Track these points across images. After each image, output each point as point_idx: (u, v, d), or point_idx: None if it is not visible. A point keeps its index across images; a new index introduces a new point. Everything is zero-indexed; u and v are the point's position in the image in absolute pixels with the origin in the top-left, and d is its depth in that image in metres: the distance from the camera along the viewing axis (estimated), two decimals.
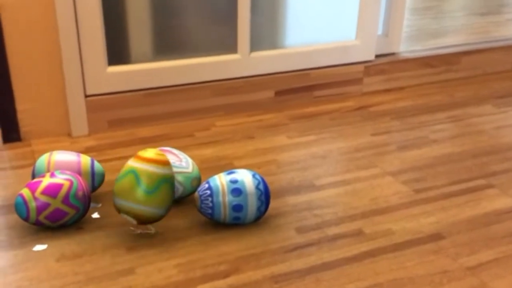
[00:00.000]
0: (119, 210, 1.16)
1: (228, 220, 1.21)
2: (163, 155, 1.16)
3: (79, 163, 1.29)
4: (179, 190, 1.28)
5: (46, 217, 1.17)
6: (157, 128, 1.74)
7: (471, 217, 1.29)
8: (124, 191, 1.14)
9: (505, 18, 2.75)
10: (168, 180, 1.15)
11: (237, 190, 1.19)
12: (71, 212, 1.19)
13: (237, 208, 1.20)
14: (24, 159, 1.53)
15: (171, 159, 1.29)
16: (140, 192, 1.13)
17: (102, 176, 1.33)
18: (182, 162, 1.29)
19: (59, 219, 1.18)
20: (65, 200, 1.17)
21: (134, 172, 1.13)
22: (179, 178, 1.27)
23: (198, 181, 1.30)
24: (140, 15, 1.69)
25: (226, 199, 1.19)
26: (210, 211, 1.20)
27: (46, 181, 1.17)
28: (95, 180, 1.31)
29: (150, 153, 1.15)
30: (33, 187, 1.16)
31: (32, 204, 1.16)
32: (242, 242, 1.19)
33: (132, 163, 1.15)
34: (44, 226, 1.20)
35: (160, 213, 1.16)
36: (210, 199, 1.19)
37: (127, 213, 1.15)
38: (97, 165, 1.32)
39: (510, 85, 2.16)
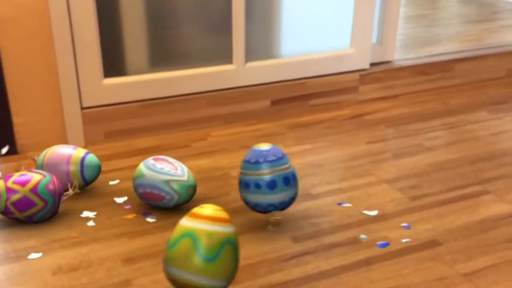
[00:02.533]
0: (174, 283, 0.98)
1: None
2: (221, 210, 0.99)
3: (70, 155, 1.31)
4: (175, 198, 1.29)
5: (13, 204, 1.21)
6: (154, 139, 1.75)
7: (467, 224, 1.29)
8: (179, 259, 0.95)
9: (498, 25, 2.77)
10: (230, 241, 0.97)
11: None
12: (39, 203, 1.21)
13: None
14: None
15: (166, 167, 1.29)
16: (198, 259, 0.94)
17: (95, 168, 1.34)
18: (178, 170, 1.29)
19: (26, 208, 1.21)
20: (34, 189, 1.21)
21: (190, 234, 0.96)
22: (174, 186, 1.27)
23: (193, 189, 1.30)
24: (135, 26, 1.70)
25: None
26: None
27: (19, 173, 1.24)
28: (85, 172, 1.32)
29: (208, 209, 0.98)
30: (7, 178, 1.23)
31: (2, 192, 1.21)
32: (239, 252, 1.19)
33: (186, 222, 0.98)
34: (13, 216, 1.23)
35: (221, 285, 0.97)
36: None
37: (185, 286, 0.97)
38: (90, 158, 1.33)
39: (505, 92, 2.17)
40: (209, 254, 0.94)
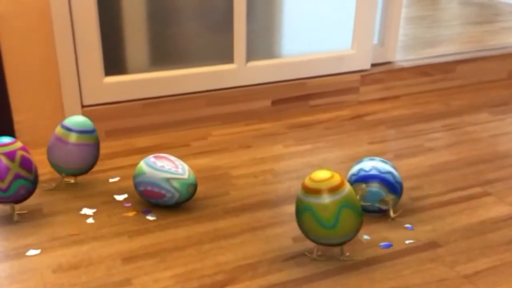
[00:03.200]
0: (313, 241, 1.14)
1: None
2: (331, 175, 1.08)
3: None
4: (175, 196, 1.28)
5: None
6: (154, 138, 1.74)
7: (467, 225, 1.29)
8: (309, 229, 1.10)
9: (499, 27, 2.77)
10: (346, 203, 1.08)
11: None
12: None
13: None
14: None
15: (167, 165, 1.29)
16: (322, 230, 1.08)
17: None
18: (178, 169, 1.29)
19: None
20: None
21: (310, 209, 1.08)
22: (175, 184, 1.27)
23: (194, 187, 1.30)
24: (136, 25, 1.70)
25: None
26: None
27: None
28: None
29: (318, 181, 1.08)
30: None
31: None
32: (239, 251, 1.19)
33: (302, 196, 1.10)
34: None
35: (350, 237, 1.11)
36: None
37: (317, 243, 1.13)
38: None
39: (506, 93, 2.17)
40: (329, 222, 1.07)
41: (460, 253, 1.19)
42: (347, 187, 1.09)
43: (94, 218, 1.30)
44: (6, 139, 1.23)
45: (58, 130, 1.37)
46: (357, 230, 1.11)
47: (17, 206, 1.33)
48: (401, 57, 2.20)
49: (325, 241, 1.10)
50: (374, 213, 1.32)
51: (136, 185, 1.32)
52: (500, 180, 1.50)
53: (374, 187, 1.27)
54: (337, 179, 1.08)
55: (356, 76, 2.00)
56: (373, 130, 1.82)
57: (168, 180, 1.27)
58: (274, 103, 1.91)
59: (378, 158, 1.33)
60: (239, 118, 1.87)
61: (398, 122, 1.88)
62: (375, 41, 2.11)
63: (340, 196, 1.07)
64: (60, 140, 1.36)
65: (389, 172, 1.29)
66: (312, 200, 1.07)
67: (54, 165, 1.39)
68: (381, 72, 2.05)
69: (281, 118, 1.90)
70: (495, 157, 1.64)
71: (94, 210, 1.34)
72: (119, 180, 1.48)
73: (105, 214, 1.32)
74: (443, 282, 1.10)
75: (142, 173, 1.30)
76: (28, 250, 1.19)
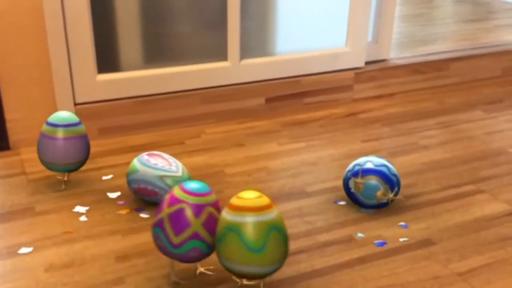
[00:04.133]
0: (230, 271, 1.00)
1: None
2: (262, 197, 0.98)
3: None
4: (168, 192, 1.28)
5: None
6: (148, 136, 1.74)
7: (461, 223, 1.29)
8: (229, 253, 0.96)
9: (493, 25, 2.77)
10: (275, 227, 0.96)
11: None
12: None
13: None
14: (12, 168, 1.52)
15: (161, 163, 1.28)
16: (246, 251, 0.95)
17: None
18: (172, 166, 1.29)
19: None
20: None
21: (234, 230, 0.96)
22: (168, 181, 1.27)
23: None
24: (129, 22, 1.69)
25: None
26: None
27: None
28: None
29: (248, 200, 0.97)
30: None
31: None
32: None
33: (227, 216, 0.97)
34: None
35: (274, 269, 0.98)
36: None
37: (238, 275, 0.98)
38: None
39: (500, 91, 2.18)
40: (256, 245, 0.94)
41: (454, 250, 1.19)
42: (275, 210, 0.98)
43: (87, 216, 1.30)
44: (202, 187, 1.01)
45: (45, 128, 1.36)
46: (283, 259, 0.99)
47: (198, 264, 1.13)
48: (395, 55, 2.20)
49: (249, 269, 0.96)
50: (370, 208, 1.32)
51: (129, 183, 1.31)
52: (494, 178, 1.50)
53: (372, 180, 1.28)
54: (265, 199, 0.98)
55: (350, 74, 2.00)
56: (367, 128, 1.82)
57: (161, 177, 1.27)
58: (268, 101, 1.91)
59: (373, 155, 1.33)
60: (233, 116, 1.87)
61: (392, 120, 1.88)
62: (369, 38, 2.11)
63: (269, 218, 0.96)
64: (48, 137, 1.35)
65: (384, 165, 1.29)
66: (238, 219, 0.96)
67: (47, 164, 1.38)
68: (375, 70, 2.04)
69: (275, 116, 1.90)
70: (489, 154, 1.64)
71: (87, 208, 1.33)
72: (112, 178, 1.47)
73: (98, 212, 1.31)
74: (437, 280, 1.10)
75: (135, 170, 1.29)
76: (20, 248, 1.18)
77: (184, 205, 0.98)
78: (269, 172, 1.51)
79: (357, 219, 1.30)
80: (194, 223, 0.98)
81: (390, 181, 1.29)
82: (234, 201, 0.98)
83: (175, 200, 0.99)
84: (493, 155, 1.64)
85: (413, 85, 2.14)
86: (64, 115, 1.37)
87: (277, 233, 0.96)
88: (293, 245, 1.20)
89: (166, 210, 0.99)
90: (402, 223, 1.29)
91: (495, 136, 1.76)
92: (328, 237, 1.23)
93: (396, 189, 1.30)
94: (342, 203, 1.37)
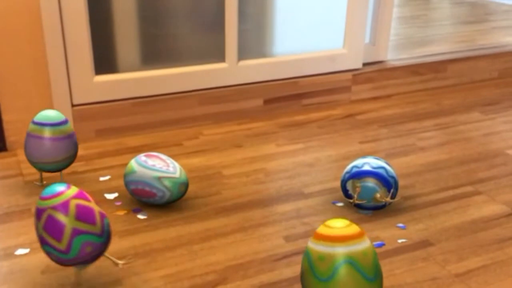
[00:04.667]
0: None
1: None
2: (348, 225, 0.92)
3: None
4: (167, 195, 1.28)
5: None
6: (145, 137, 1.73)
7: (459, 224, 1.29)
8: (303, 278, 0.93)
9: (491, 26, 2.78)
10: (348, 261, 0.89)
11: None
12: None
13: None
14: (9, 169, 1.52)
15: (158, 164, 1.28)
16: (313, 280, 0.90)
17: None
18: (170, 167, 1.28)
19: None
20: None
21: (307, 255, 0.93)
22: (166, 183, 1.26)
23: (185, 186, 1.29)
24: (127, 24, 1.69)
25: None
26: None
27: None
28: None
29: (323, 228, 0.92)
30: None
31: None
32: (230, 251, 1.18)
33: (335, 250, 0.90)
34: None
35: None
36: None
37: None
38: None
39: (497, 93, 2.18)
40: (323, 275, 0.89)
41: (452, 252, 1.19)
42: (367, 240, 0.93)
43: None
44: (57, 187, 0.98)
45: (31, 127, 1.35)
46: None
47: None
48: (393, 56, 2.20)
49: None
50: (368, 210, 1.32)
51: (127, 184, 1.31)
52: (491, 179, 1.50)
53: (369, 182, 1.28)
54: (353, 230, 0.92)
55: (348, 75, 2.00)
56: (365, 129, 1.82)
57: (159, 179, 1.26)
58: (266, 102, 1.91)
59: (371, 156, 1.33)
60: (231, 117, 1.87)
61: (390, 121, 1.88)
62: (367, 40, 2.11)
63: (369, 245, 0.92)
64: (35, 136, 1.34)
65: (382, 167, 1.29)
66: (349, 249, 0.89)
67: (36, 164, 1.36)
68: (373, 71, 2.05)
69: (273, 117, 1.90)
70: (486, 156, 1.64)
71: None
72: (109, 179, 1.47)
73: None
74: (435, 281, 1.10)
75: (133, 171, 1.29)
76: (17, 250, 1.17)
77: (49, 211, 0.96)
78: (267, 174, 1.51)
79: (355, 220, 1.30)
80: (68, 221, 0.96)
81: (388, 183, 1.29)
82: (330, 231, 0.91)
83: (40, 212, 0.97)
84: (491, 156, 1.64)
85: (410, 86, 2.14)
86: (50, 114, 1.35)
87: (348, 268, 0.90)
88: (291, 247, 1.20)
89: (39, 225, 0.98)
90: (400, 224, 1.29)
91: (493, 138, 1.76)
92: None
93: (393, 191, 1.30)
94: (340, 204, 1.36)
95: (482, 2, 3.44)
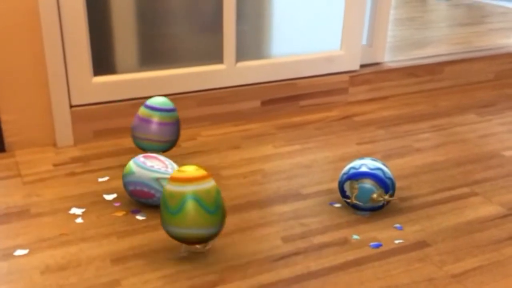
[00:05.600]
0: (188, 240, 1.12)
1: None
2: (196, 169, 1.10)
3: None
4: None
5: None
6: None
7: (455, 225, 1.30)
8: (191, 220, 1.09)
9: (487, 28, 2.79)
10: (193, 197, 1.08)
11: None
12: None
13: None
14: (7, 170, 1.52)
15: (157, 165, 1.29)
16: (166, 214, 1.10)
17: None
18: (168, 168, 1.29)
19: None
20: None
21: (162, 194, 1.12)
22: (165, 184, 1.27)
23: None
24: (125, 25, 1.69)
25: None
26: None
27: None
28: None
29: (175, 171, 1.11)
30: None
31: None
32: (228, 252, 1.19)
33: (179, 188, 1.10)
34: None
35: (194, 232, 1.09)
36: None
37: (174, 237, 1.12)
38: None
39: (493, 94, 2.19)
40: (173, 209, 1.08)
41: (448, 252, 1.20)
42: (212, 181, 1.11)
43: (83, 218, 1.30)
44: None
45: (142, 110, 1.47)
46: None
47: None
48: (390, 58, 2.21)
49: (207, 231, 1.09)
50: (365, 211, 1.32)
51: (125, 185, 1.31)
52: (488, 181, 1.51)
53: (366, 183, 1.28)
54: (190, 174, 1.09)
55: (345, 77, 2.01)
56: (362, 131, 1.82)
57: (157, 179, 1.27)
58: (263, 103, 1.91)
59: (368, 158, 1.34)
60: (229, 118, 1.87)
61: (386, 123, 1.89)
62: (364, 42, 2.12)
63: (213, 184, 1.11)
64: (144, 120, 1.46)
65: (379, 169, 1.30)
66: (194, 187, 1.08)
67: (140, 144, 1.49)
68: (370, 73, 2.06)
69: (270, 119, 1.91)
70: (483, 157, 1.65)
71: (83, 210, 1.33)
72: (108, 180, 1.47)
73: (94, 214, 1.32)
74: (431, 282, 1.11)
75: (131, 172, 1.29)
76: (15, 251, 1.18)
77: None
78: (264, 175, 1.52)
79: (352, 221, 1.31)
80: None
81: (385, 184, 1.29)
82: (180, 174, 1.09)
83: None
84: (487, 158, 1.65)
85: (407, 88, 2.15)
86: (161, 100, 1.48)
87: (222, 198, 1.12)
88: (288, 247, 1.21)
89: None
90: (397, 225, 1.29)
91: (489, 139, 1.78)
92: (324, 239, 1.24)
93: (391, 192, 1.31)
94: (337, 205, 1.37)
95: (479, 4, 3.46)
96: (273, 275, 1.12)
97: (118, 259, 1.16)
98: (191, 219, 1.07)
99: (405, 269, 1.14)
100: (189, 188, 1.08)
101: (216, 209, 1.10)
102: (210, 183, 1.10)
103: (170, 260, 1.16)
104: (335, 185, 1.47)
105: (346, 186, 1.32)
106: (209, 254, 1.18)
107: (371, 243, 1.22)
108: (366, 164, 1.31)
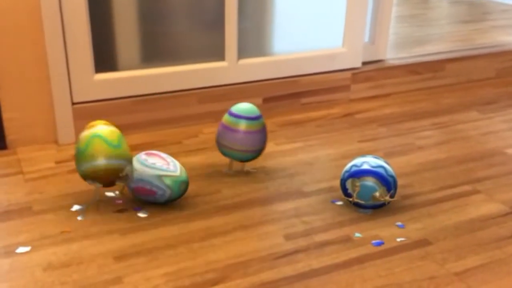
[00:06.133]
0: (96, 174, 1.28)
1: None
2: (106, 123, 1.31)
3: None
4: (167, 193, 1.28)
5: None
6: (145, 136, 1.74)
7: (457, 223, 1.30)
8: (97, 153, 1.28)
9: (489, 26, 2.79)
10: (97, 135, 1.26)
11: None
12: None
13: None
14: (9, 168, 1.52)
15: (158, 162, 1.29)
16: (77, 155, 1.29)
17: None
18: (170, 166, 1.29)
19: None
20: None
21: (77, 140, 1.31)
22: (167, 181, 1.27)
23: (186, 184, 1.30)
24: (127, 22, 1.69)
25: None
26: None
27: None
28: None
29: (88, 125, 1.31)
30: None
31: None
32: (231, 249, 1.19)
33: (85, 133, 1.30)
34: None
35: (103, 164, 1.25)
36: None
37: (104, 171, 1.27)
38: None
39: (495, 92, 2.19)
40: (81, 146, 1.27)
41: (450, 250, 1.20)
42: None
43: (84, 216, 1.30)
44: None
45: (226, 118, 1.43)
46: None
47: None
48: (391, 55, 2.21)
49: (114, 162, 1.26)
50: (367, 209, 1.33)
51: (129, 183, 1.31)
52: (489, 178, 1.51)
53: (368, 181, 1.28)
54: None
55: (347, 74, 2.01)
56: (364, 128, 1.82)
57: (159, 177, 1.27)
58: (265, 100, 1.91)
59: (370, 155, 1.34)
60: None
61: (388, 120, 1.89)
62: (366, 39, 2.12)
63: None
64: (229, 128, 1.42)
65: (381, 166, 1.30)
66: (99, 129, 1.28)
67: (224, 153, 1.45)
68: (372, 70, 2.05)
69: (272, 116, 1.90)
70: (484, 155, 1.65)
71: (84, 207, 1.33)
72: None
73: (96, 211, 1.32)
74: (433, 280, 1.11)
75: (133, 170, 1.29)
76: (18, 248, 1.18)
77: None
78: (266, 172, 1.52)
79: (354, 219, 1.31)
80: None
81: (387, 182, 1.29)
82: (93, 124, 1.29)
83: None
84: (489, 155, 1.65)
85: (409, 85, 2.15)
86: (246, 107, 1.43)
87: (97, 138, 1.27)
88: (290, 245, 1.21)
89: None
90: (399, 223, 1.29)
91: (491, 137, 1.77)
92: (326, 237, 1.24)
93: (393, 190, 1.31)
94: (339, 203, 1.37)
95: (480, 1, 3.45)
96: (275, 273, 1.12)
97: (120, 256, 1.16)
98: (98, 151, 1.24)
99: (407, 267, 1.15)
100: (94, 130, 1.27)
101: (119, 144, 1.26)
102: (113, 127, 1.29)
103: (172, 257, 1.16)
104: (337, 182, 1.46)
105: (348, 184, 1.32)
106: (210, 251, 1.18)
107: (373, 241, 1.22)
108: (368, 161, 1.31)
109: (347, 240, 1.23)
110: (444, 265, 1.15)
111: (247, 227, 1.27)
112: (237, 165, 1.51)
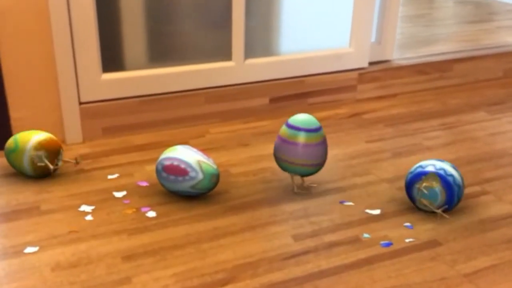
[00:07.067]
0: None
1: None
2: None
3: None
4: (198, 178, 1.30)
5: None
6: (152, 135, 1.74)
7: (467, 224, 1.30)
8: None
9: (495, 26, 2.77)
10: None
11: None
12: None
13: None
14: None
15: (201, 153, 1.34)
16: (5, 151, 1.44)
17: None
18: (210, 160, 1.34)
19: None
20: None
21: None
22: (203, 166, 1.31)
23: (217, 179, 1.33)
24: (134, 22, 1.69)
25: None
26: None
27: None
28: None
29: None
30: None
31: None
32: (239, 250, 1.18)
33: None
34: None
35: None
36: None
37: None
38: None
39: (502, 92, 2.18)
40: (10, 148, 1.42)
41: (460, 251, 1.19)
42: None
43: (92, 216, 1.30)
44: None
45: (283, 130, 1.35)
46: None
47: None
48: (398, 55, 2.20)
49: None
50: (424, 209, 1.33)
51: (161, 161, 1.32)
52: (498, 179, 1.50)
53: (436, 186, 1.27)
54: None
55: (354, 74, 2.00)
56: (371, 129, 1.82)
57: (198, 161, 1.31)
58: (272, 100, 1.91)
59: (446, 162, 1.32)
60: (237, 115, 1.87)
61: (395, 121, 1.88)
62: (373, 39, 2.11)
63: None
64: (287, 141, 1.34)
65: (451, 175, 1.28)
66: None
67: (283, 167, 1.38)
68: (379, 71, 2.05)
69: (279, 116, 1.90)
70: (493, 156, 1.64)
71: (92, 208, 1.33)
72: (118, 177, 1.47)
73: (104, 211, 1.31)
74: (443, 281, 1.10)
75: (174, 150, 1.33)
76: (26, 248, 1.18)
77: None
78: (274, 172, 1.51)
79: (363, 219, 1.30)
80: None
81: (452, 191, 1.28)
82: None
83: None
84: (497, 156, 1.64)
85: (416, 85, 2.14)
86: (305, 118, 1.35)
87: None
88: (299, 246, 1.20)
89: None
90: (407, 224, 1.29)
91: (499, 138, 1.77)
92: (335, 238, 1.23)
93: (456, 200, 1.29)
94: (348, 203, 1.37)
95: (486, 2, 3.44)
96: (284, 274, 1.11)
97: (129, 256, 1.16)
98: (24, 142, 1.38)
99: (417, 268, 1.14)
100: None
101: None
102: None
103: (180, 257, 1.15)
104: (345, 183, 1.46)
105: (416, 188, 1.31)
106: (219, 252, 1.17)
107: (382, 242, 1.22)
108: (434, 164, 1.30)
109: (355, 240, 1.22)
110: (454, 266, 1.15)
111: (256, 228, 1.26)
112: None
